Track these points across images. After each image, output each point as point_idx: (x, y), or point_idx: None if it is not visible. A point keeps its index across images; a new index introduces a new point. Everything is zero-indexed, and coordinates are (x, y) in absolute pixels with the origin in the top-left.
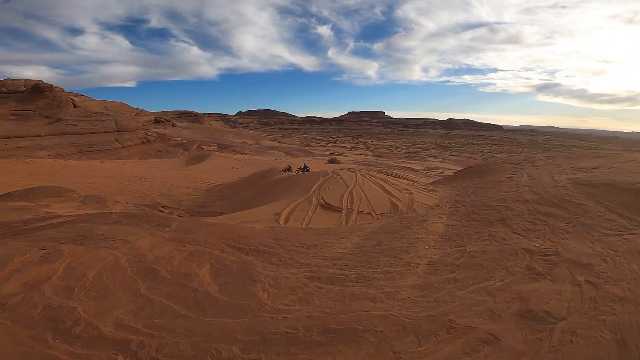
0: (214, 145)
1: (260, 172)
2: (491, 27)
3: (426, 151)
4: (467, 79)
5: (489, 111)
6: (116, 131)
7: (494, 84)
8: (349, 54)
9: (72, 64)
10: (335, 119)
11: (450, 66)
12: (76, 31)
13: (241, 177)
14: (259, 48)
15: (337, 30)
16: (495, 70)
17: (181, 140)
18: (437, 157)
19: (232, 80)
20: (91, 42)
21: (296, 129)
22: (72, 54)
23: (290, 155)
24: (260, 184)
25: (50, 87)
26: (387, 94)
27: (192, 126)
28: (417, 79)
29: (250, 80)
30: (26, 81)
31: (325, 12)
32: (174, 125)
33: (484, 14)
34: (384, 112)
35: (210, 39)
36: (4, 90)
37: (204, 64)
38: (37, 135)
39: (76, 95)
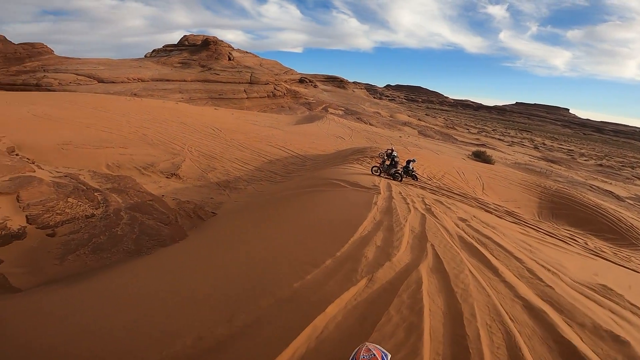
0: (341, 110)
1: (349, 150)
2: None
3: (631, 169)
4: None
5: None
6: (248, 83)
7: None
8: (528, 38)
9: (258, 29)
10: (496, 107)
11: None
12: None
13: (337, 149)
14: (416, 24)
15: (514, 12)
16: None
17: (312, 99)
18: None
19: (385, 53)
20: (272, 10)
21: (446, 110)
22: (258, 21)
23: (423, 136)
24: (313, 174)
25: (215, 41)
26: (577, 89)
27: (335, 90)
28: (629, 77)
29: (404, 56)
30: (204, 36)
31: None
32: (315, 86)
33: None
34: (567, 110)
35: (368, 12)
36: (186, 43)
37: (360, 36)
38: (183, 80)
39: (241, 51)
